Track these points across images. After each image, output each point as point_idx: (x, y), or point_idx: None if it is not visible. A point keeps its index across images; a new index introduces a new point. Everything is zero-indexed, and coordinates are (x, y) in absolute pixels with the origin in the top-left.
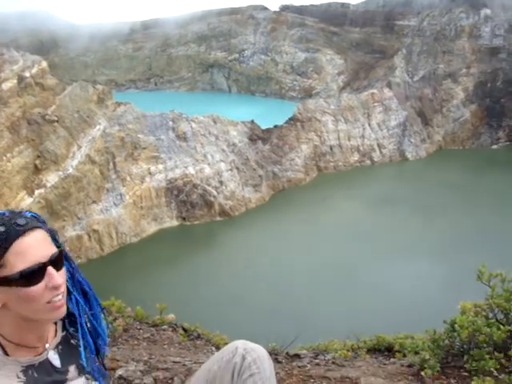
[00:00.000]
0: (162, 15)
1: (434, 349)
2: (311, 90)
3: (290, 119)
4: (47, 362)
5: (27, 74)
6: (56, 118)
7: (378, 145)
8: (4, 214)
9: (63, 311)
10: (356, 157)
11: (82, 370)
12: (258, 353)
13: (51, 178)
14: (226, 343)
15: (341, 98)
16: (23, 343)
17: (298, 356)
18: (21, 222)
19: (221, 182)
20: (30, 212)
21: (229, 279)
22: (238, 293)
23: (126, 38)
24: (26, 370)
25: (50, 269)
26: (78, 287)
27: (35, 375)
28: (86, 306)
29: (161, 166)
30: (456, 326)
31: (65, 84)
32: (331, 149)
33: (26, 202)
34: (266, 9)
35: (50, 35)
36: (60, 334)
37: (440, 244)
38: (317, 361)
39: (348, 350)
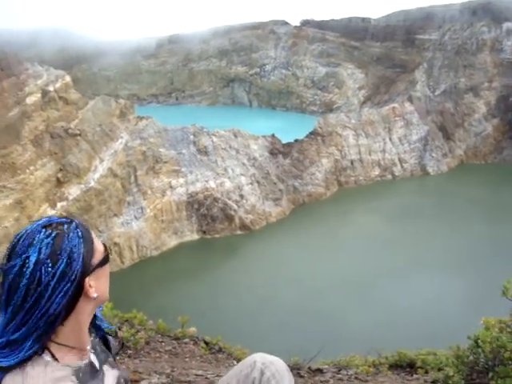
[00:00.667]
0: (183, 31)
1: (459, 365)
2: (332, 105)
3: (311, 133)
4: (90, 363)
5: (51, 89)
6: (79, 132)
7: (399, 159)
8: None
9: None
10: (377, 171)
11: (112, 365)
12: (277, 366)
13: (73, 190)
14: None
15: (362, 112)
16: (78, 345)
17: (320, 371)
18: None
19: (241, 196)
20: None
21: (249, 292)
22: (259, 306)
23: (149, 53)
24: (77, 373)
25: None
26: None
27: (85, 378)
28: None
29: (182, 180)
30: (480, 341)
31: (87, 98)
32: (352, 163)
33: (48, 214)
34: (286, 24)
35: (74, 50)
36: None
37: (461, 259)
38: (339, 376)
39: (369, 366)
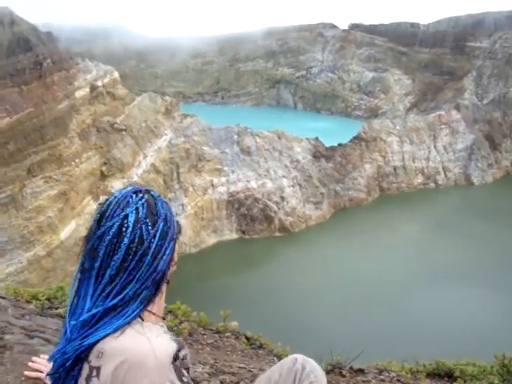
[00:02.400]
0: (231, 31)
1: (504, 374)
2: (377, 110)
3: (355, 138)
4: None
5: (99, 84)
6: (124, 127)
7: (443, 168)
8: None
9: None
10: (420, 179)
11: None
12: (315, 365)
13: (116, 184)
14: (288, 355)
15: (407, 118)
16: (159, 312)
17: (362, 371)
18: None
19: (282, 198)
20: None
21: (287, 293)
22: (297, 307)
23: (196, 51)
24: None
25: None
26: None
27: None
28: None
29: (223, 179)
30: None
31: (134, 94)
32: (395, 170)
33: (91, 207)
34: (335, 27)
35: (123, 47)
36: None
37: (501, 271)
38: (381, 377)
39: (407, 373)
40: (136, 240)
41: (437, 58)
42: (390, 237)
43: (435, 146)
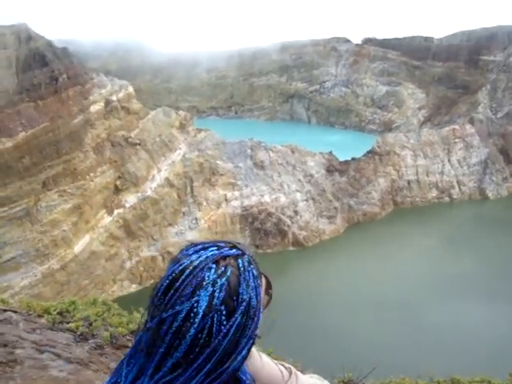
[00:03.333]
0: (244, 45)
1: None
2: (391, 124)
3: (369, 152)
4: None
5: (114, 98)
6: (138, 141)
7: (458, 182)
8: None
9: None
10: (434, 193)
11: None
12: None
13: (130, 198)
14: (300, 371)
15: (421, 132)
16: None
17: None
18: None
19: (296, 212)
20: None
21: (299, 308)
22: (308, 321)
23: (210, 66)
24: None
25: None
26: None
27: None
28: None
29: (237, 193)
30: None
31: (148, 109)
32: (409, 184)
33: (105, 221)
34: (348, 41)
35: (138, 62)
36: None
37: None
38: None
39: None
40: (205, 332)
41: (450, 72)
42: (404, 251)
43: (449, 160)
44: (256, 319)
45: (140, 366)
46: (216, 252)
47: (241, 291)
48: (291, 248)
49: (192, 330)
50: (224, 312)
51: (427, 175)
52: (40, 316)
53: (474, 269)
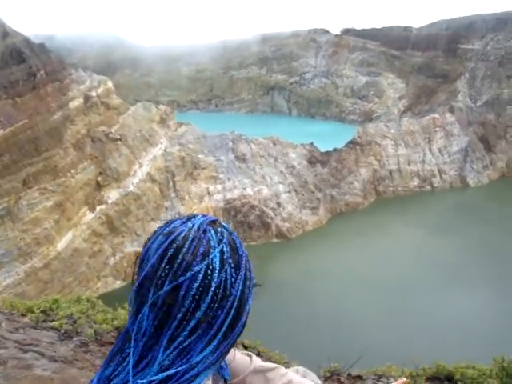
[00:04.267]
0: (223, 38)
1: (503, 377)
2: (371, 114)
3: (350, 142)
4: None
5: (93, 94)
6: (119, 137)
7: (439, 170)
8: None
9: None
10: (416, 182)
11: None
12: (315, 377)
13: (112, 194)
14: (286, 362)
15: (401, 122)
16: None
17: (360, 377)
18: None
19: (278, 204)
20: None
21: (285, 300)
22: (293, 314)
23: (189, 59)
24: None
25: None
26: None
27: None
28: None
29: (219, 186)
30: None
31: (128, 104)
32: (390, 173)
33: (87, 218)
34: (327, 32)
35: (117, 56)
36: None
37: (499, 273)
38: (380, 383)
39: (406, 377)
40: (221, 285)
41: (430, 61)
42: (387, 240)
43: (430, 149)
44: (251, 271)
45: (144, 345)
46: (204, 219)
47: (238, 246)
48: (275, 240)
49: (213, 285)
50: (232, 265)
51: (408, 164)
52: (23, 315)
53: (457, 256)
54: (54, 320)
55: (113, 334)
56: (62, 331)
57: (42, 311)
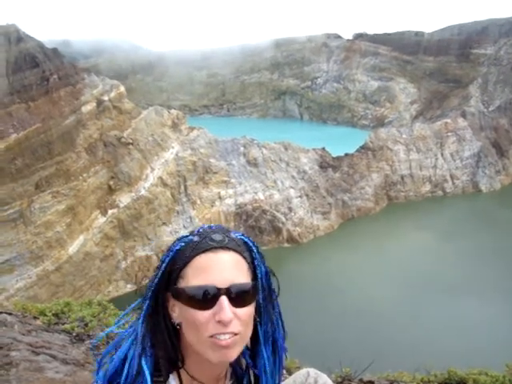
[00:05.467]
0: (236, 43)
1: None
2: (383, 119)
3: (362, 147)
4: None
5: (106, 98)
6: (131, 141)
7: (451, 175)
8: (211, 226)
9: (230, 355)
10: (428, 187)
11: None
12: (327, 379)
13: (124, 198)
14: (298, 367)
15: (413, 127)
16: (198, 378)
17: (371, 383)
18: (216, 237)
19: (290, 209)
20: (242, 234)
21: (296, 304)
22: (305, 318)
23: (202, 64)
24: None
25: (223, 299)
26: (270, 345)
27: None
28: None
29: (231, 191)
30: None
31: (141, 108)
32: (402, 178)
33: (99, 221)
34: (339, 37)
35: (130, 61)
36: (229, 381)
37: (508, 281)
38: None
39: (418, 383)
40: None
41: (442, 66)
42: (399, 246)
43: (442, 154)
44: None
45: None
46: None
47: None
48: (286, 245)
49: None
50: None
51: (420, 169)
52: (35, 318)
53: (470, 262)
54: (65, 323)
55: None
56: (74, 334)
57: (53, 314)
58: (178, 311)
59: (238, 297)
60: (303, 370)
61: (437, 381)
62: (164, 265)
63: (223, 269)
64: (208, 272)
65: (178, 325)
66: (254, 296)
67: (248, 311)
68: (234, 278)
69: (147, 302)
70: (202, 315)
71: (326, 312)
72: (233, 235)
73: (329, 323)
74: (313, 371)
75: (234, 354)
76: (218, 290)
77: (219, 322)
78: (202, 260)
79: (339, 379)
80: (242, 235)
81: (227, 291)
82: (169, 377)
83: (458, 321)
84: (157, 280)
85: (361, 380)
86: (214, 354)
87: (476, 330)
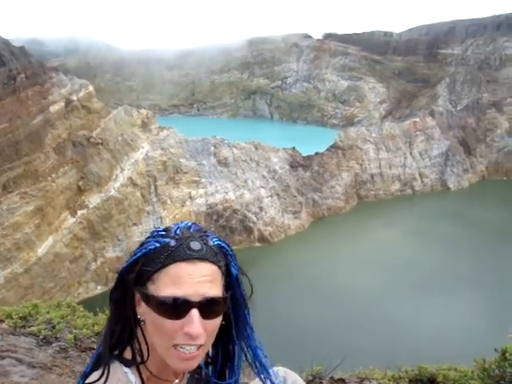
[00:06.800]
0: (206, 43)
1: (484, 378)
2: (353, 118)
3: (331, 147)
4: None
5: (74, 98)
6: (100, 141)
7: (420, 174)
8: (189, 227)
9: (192, 365)
10: (397, 186)
11: None
12: (297, 377)
13: (93, 199)
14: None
15: (382, 126)
16: (157, 375)
17: (342, 380)
18: (194, 246)
19: (261, 208)
20: (219, 239)
21: (267, 304)
22: (276, 317)
23: (171, 64)
24: None
25: (194, 312)
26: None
27: None
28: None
29: (201, 191)
30: (507, 354)
31: (110, 108)
32: (372, 177)
33: (68, 222)
34: (309, 37)
35: (98, 60)
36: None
37: (479, 277)
38: None
39: (389, 380)
40: None
41: (410, 66)
42: (369, 244)
43: (411, 153)
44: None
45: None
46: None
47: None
48: (257, 244)
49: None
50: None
51: (390, 168)
52: (1, 321)
53: (439, 260)
54: (32, 326)
55: (93, 339)
56: (41, 337)
57: (20, 317)
58: (144, 310)
59: (209, 309)
60: (273, 369)
61: (408, 377)
62: (135, 257)
63: (197, 282)
64: (181, 283)
65: (142, 321)
66: (224, 307)
67: (216, 322)
68: (207, 291)
69: (115, 292)
70: (171, 324)
71: (297, 310)
72: (210, 242)
73: (300, 321)
74: (282, 370)
75: (196, 363)
76: (190, 302)
77: (186, 334)
78: (177, 269)
79: (310, 377)
80: (219, 240)
81: (199, 304)
82: (109, 369)
83: (427, 317)
84: (126, 266)
85: (332, 378)
86: (177, 363)
87: (445, 325)
